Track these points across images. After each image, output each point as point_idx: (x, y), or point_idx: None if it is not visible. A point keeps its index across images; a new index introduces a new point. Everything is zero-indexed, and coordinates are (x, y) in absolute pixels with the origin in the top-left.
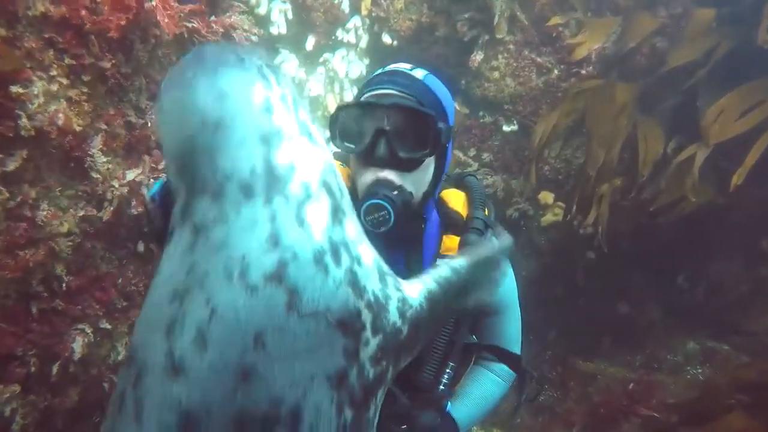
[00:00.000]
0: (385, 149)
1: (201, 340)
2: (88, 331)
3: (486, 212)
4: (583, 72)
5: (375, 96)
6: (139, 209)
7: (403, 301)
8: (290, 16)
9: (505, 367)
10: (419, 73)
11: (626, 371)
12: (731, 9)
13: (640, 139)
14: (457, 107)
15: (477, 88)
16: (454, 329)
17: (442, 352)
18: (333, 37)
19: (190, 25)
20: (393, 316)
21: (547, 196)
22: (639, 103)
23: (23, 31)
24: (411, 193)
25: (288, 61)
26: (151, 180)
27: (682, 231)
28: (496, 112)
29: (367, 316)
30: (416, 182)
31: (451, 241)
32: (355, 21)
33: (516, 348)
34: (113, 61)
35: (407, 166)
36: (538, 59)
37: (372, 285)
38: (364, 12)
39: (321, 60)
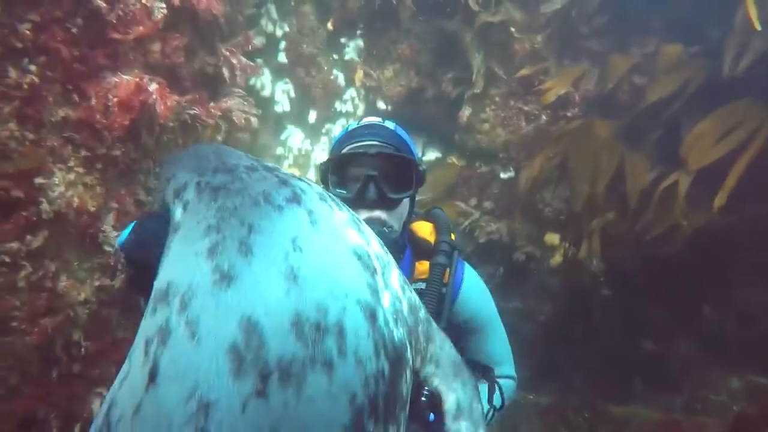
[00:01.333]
0: (374, 192)
1: (245, 248)
2: (105, 394)
3: (452, 237)
4: (569, 114)
5: (360, 146)
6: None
7: None
8: (293, 94)
9: (503, 382)
10: (390, 125)
11: (664, 414)
12: (700, 44)
13: (627, 173)
14: (455, 161)
15: (470, 140)
16: None
17: None
18: (332, 109)
19: (192, 112)
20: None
21: (552, 238)
22: (625, 138)
23: (47, 133)
24: (396, 229)
25: (294, 135)
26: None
27: (692, 258)
28: (491, 161)
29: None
30: (398, 218)
31: (422, 265)
32: (351, 92)
33: (506, 365)
34: (123, 150)
35: (391, 205)
36: (525, 108)
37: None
38: (357, 83)
39: (323, 131)
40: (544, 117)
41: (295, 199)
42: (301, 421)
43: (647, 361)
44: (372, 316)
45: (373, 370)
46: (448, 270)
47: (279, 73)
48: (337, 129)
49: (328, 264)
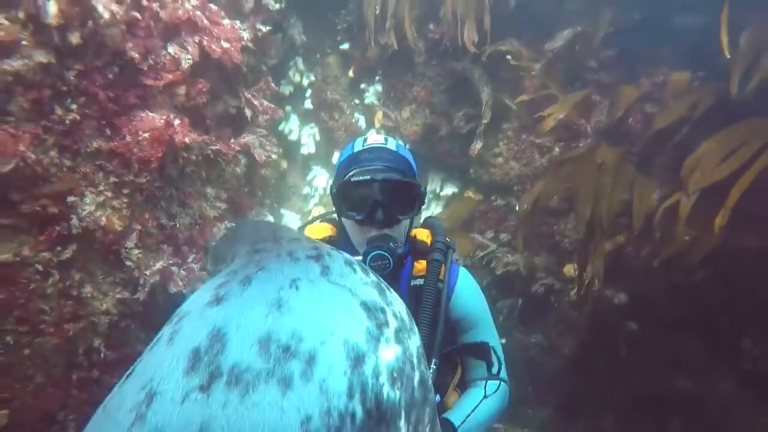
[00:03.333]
0: (382, 215)
1: (246, 281)
2: None
3: (447, 239)
4: (581, 146)
5: (367, 171)
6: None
7: None
8: (318, 137)
9: (493, 384)
10: (392, 145)
11: None
12: (707, 70)
13: (635, 196)
14: (472, 195)
15: (485, 174)
16: (430, 329)
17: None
18: None
19: (214, 147)
20: None
21: (571, 269)
22: (633, 163)
23: (81, 161)
24: (400, 243)
25: (319, 176)
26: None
27: (721, 285)
28: (507, 194)
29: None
30: (403, 231)
31: (420, 264)
32: (371, 133)
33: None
34: (148, 178)
35: (396, 222)
36: (537, 141)
37: None
38: (377, 125)
39: None
40: (557, 149)
41: (317, 257)
42: (238, 423)
43: (683, 401)
44: (357, 359)
45: (340, 407)
46: (444, 266)
47: (305, 118)
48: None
49: (323, 304)
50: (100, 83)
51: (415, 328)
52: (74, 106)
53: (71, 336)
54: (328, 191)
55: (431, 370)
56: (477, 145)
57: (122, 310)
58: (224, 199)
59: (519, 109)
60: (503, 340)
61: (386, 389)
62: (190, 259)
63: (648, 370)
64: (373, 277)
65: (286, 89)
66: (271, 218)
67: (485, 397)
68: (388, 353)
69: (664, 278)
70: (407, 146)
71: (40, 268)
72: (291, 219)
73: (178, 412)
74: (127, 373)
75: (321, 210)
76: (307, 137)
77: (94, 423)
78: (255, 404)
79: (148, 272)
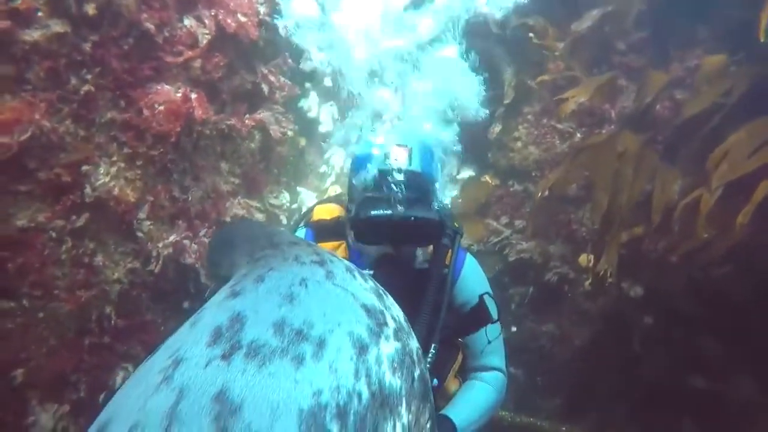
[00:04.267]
0: (399, 249)
1: (259, 279)
2: (131, 369)
3: (456, 225)
4: (604, 132)
5: (389, 207)
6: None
7: None
8: (336, 116)
9: (493, 376)
10: (416, 161)
11: None
12: (747, 51)
13: (656, 187)
14: (489, 179)
15: (503, 158)
16: (432, 313)
17: (423, 335)
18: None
19: (229, 122)
20: None
21: (585, 259)
22: (657, 152)
23: (95, 131)
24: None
25: (336, 154)
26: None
27: (744, 282)
28: (524, 179)
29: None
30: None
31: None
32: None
33: (496, 356)
34: (161, 151)
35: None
36: (558, 126)
37: None
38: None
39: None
40: (578, 135)
41: (321, 262)
42: (255, 389)
43: (699, 399)
44: (362, 348)
45: (348, 386)
46: (450, 252)
47: (324, 95)
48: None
49: (330, 301)
50: (115, 54)
51: (413, 332)
52: (89, 77)
53: (83, 302)
54: (344, 209)
55: (430, 355)
56: (496, 128)
57: (133, 279)
58: (238, 174)
59: (541, 91)
60: (514, 329)
61: (388, 376)
62: (202, 233)
63: (662, 365)
64: (371, 283)
65: (307, 65)
66: (287, 195)
67: (486, 390)
68: (389, 347)
69: (684, 273)
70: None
71: (54, 235)
72: (307, 197)
73: (202, 375)
74: (153, 351)
75: (337, 189)
76: (325, 115)
77: (127, 386)
78: (271, 374)
79: (160, 244)
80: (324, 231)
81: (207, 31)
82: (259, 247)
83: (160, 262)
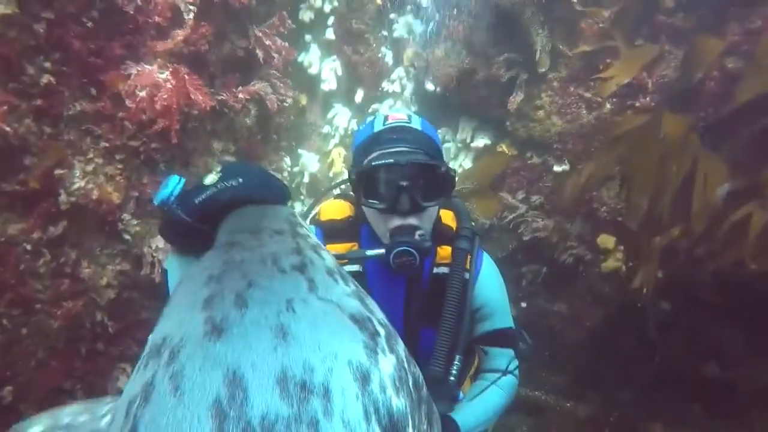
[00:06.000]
0: (407, 202)
1: (241, 301)
2: (129, 369)
3: (472, 224)
4: (638, 105)
5: (390, 154)
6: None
7: None
8: (339, 72)
9: (504, 378)
10: (416, 122)
11: None
12: None
13: (698, 180)
14: (505, 149)
15: (522, 128)
16: (456, 324)
17: (448, 345)
18: (379, 89)
19: (219, 98)
20: None
21: (607, 240)
22: (703, 137)
23: (64, 127)
24: (427, 233)
25: (340, 114)
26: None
27: None
28: (544, 151)
29: None
30: (430, 219)
31: (443, 250)
32: (399, 72)
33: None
34: (143, 140)
35: (422, 209)
36: (586, 94)
37: None
38: (406, 63)
39: (370, 110)
40: (608, 105)
41: (301, 268)
42: None
43: (710, 386)
44: (364, 378)
45: None
46: (469, 256)
47: (327, 49)
48: (383, 109)
49: (319, 325)
50: (77, 33)
51: (396, 334)
52: (48, 64)
53: (72, 313)
54: (347, 175)
55: (455, 367)
56: (517, 97)
57: (123, 281)
58: (233, 152)
59: (571, 56)
60: (524, 304)
61: (394, 401)
62: None
63: (677, 352)
64: (352, 285)
65: (306, 15)
66: (287, 160)
67: (496, 394)
68: (388, 365)
69: (713, 263)
70: (438, 90)
71: (29, 247)
72: (309, 159)
73: None
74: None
75: (341, 152)
76: (328, 71)
77: None
78: None
79: (153, 246)
80: (335, 232)
81: (192, 3)
82: (240, 228)
83: (156, 268)
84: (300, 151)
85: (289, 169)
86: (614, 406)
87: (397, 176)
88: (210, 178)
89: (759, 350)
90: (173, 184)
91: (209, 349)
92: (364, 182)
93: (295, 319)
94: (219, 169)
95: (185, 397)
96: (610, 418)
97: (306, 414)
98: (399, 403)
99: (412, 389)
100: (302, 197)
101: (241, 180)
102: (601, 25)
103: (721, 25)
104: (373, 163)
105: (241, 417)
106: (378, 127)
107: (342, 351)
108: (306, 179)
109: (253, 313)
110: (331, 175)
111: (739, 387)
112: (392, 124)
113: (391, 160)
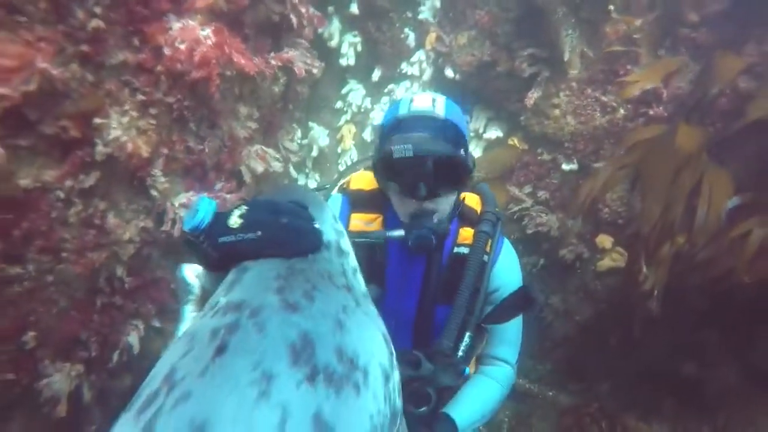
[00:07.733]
0: (425, 190)
1: (310, 297)
2: (141, 327)
3: (497, 209)
4: (652, 113)
5: (409, 141)
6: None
7: None
8: (359, 48)
9: (502, 371)
10: (440, 108)
11: None
12: None
13: (702, 192)
14: (516, 143)
15: (537, 125)
16: (471, 301)
17: (460, 321)
18: (398, 70)
19: (254, 61)
20: None
21: (604, 240)
22: (710, 150)
23: (106, 76)
24: (444, 216)
25: (355, 91)
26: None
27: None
28: (555, 149)
29: None
30: (448, 201)
31: (466, 231)
32: (420, 55)
33: (511, 348)
34: (178, 96)
35: (440, 194)
36: (603, 98)
37: None
38: (428, 47)
39: (386, 90)
40: (622, 111)
41: (348, 288)
42: (342, 414)
43: (685, 384)
44: (386, 378)
45: (380, 410)
46: (490, 240)
47: (349, 24)
48: (400, 91)
49: (365, 329)
50: None
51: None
52: (98, 9)
53: (95, 265)
54: (372, 152)
55: (464, 344)
56: (535, 94)
57: (145, 237)
58: (256, 119)
59: (593, 57)
60: None
61: (397, 400)
62: (218, 188)
63: (658, 349)
64: (373, 306)
65: None
66: (299, 132)
67: (493, 388)
68: (396, 377)
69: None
70: (457, 77)
71: (62, 195)
72: (318, 133)
73: (297, 395)
74: (207, 346)
75: (351, 129)
76: (347, 46)
77: (206, 386)
78: (345, 400)
79: (176, 203)
80: (362, 201)
81: None
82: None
83: (177, 224)
84: (310, 123)
85: (299, 141)
86: (594, 397)
87: (415, 164)
88: (233, 220)
89: (730, 353)
90: (204, 211)
91: (286, 314)
92: (383, 166)
93: (348, 320)
94: (243, 211)
95: (268, 334)
96: (590, 409)
97: (353, 378)
98: (398, 402)
99: (399, 396)
100: (307, 170)
101: (260, 233)
102: (626, 28)
103: (742, 44)
104: (392, 148)
105: (310, 360)
106: (403, 110)
107: (377, 354)
108: (314, 153)
109: (319, 305)
110: (339, 151)
111: (709, 385)
112: (416, 110)
113: (410, 150)
